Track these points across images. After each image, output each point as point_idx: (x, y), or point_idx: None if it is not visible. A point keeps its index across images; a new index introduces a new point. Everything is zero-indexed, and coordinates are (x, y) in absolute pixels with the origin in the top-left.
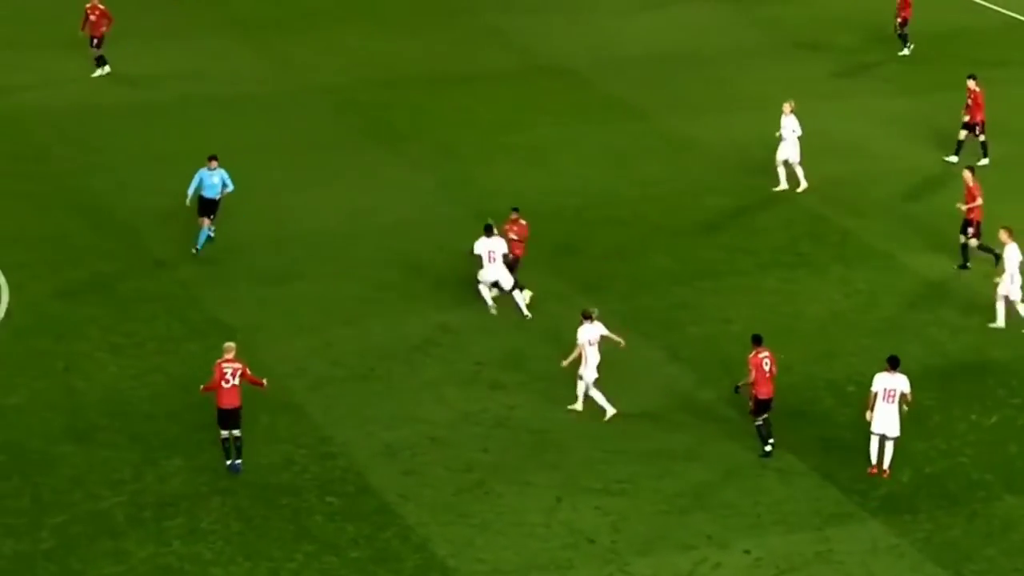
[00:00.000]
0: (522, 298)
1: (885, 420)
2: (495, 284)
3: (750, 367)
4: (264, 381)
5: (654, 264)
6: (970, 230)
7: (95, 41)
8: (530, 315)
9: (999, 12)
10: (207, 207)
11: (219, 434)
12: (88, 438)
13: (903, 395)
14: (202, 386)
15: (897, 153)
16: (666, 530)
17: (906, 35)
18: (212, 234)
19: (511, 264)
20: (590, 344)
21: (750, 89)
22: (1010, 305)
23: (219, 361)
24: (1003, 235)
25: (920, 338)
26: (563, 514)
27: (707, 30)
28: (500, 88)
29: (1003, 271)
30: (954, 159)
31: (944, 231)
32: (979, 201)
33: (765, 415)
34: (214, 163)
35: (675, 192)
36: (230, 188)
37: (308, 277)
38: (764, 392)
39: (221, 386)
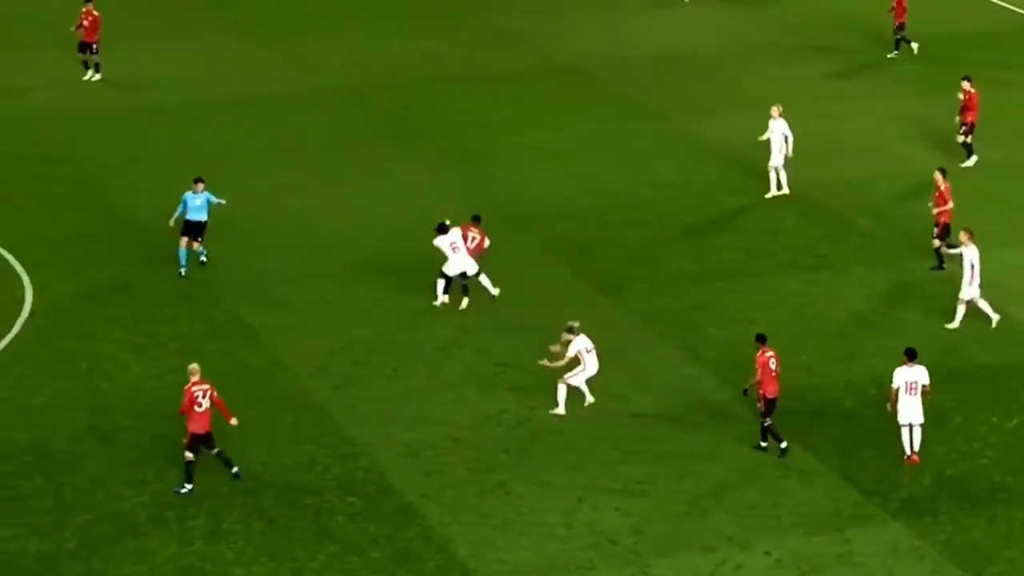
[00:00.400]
0: (488, 281)
1: (910, 410)
2: (463, 275)
3: (756, 367)
4: (234, 420)
5: (673, 265)
6: (936, 230)
7: (92, 47)
8: (498, 290)
9: (1016, 12)
10: (193, 229)
11: (184, 455)
12: (111, 438)
13: (924, 386)
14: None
15: (912, 154)
16: (687, 531)
17: (906, 37)
18: (205, 258)
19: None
20: (587, 351)
21: (763, 90)
22: (965, 304)
23: (187, 386)
24: (963, 236)
25: (940, 340)
26: (584, 515)
27: (719, 30)
28: (513, 88)
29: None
30: (970, 163)
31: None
32: (950, 205)
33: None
34: (200, 185)
35: (692, 193)
36: (221, 202)
37: (324, 277)
38: (772, 391)
39: (194, 411)
